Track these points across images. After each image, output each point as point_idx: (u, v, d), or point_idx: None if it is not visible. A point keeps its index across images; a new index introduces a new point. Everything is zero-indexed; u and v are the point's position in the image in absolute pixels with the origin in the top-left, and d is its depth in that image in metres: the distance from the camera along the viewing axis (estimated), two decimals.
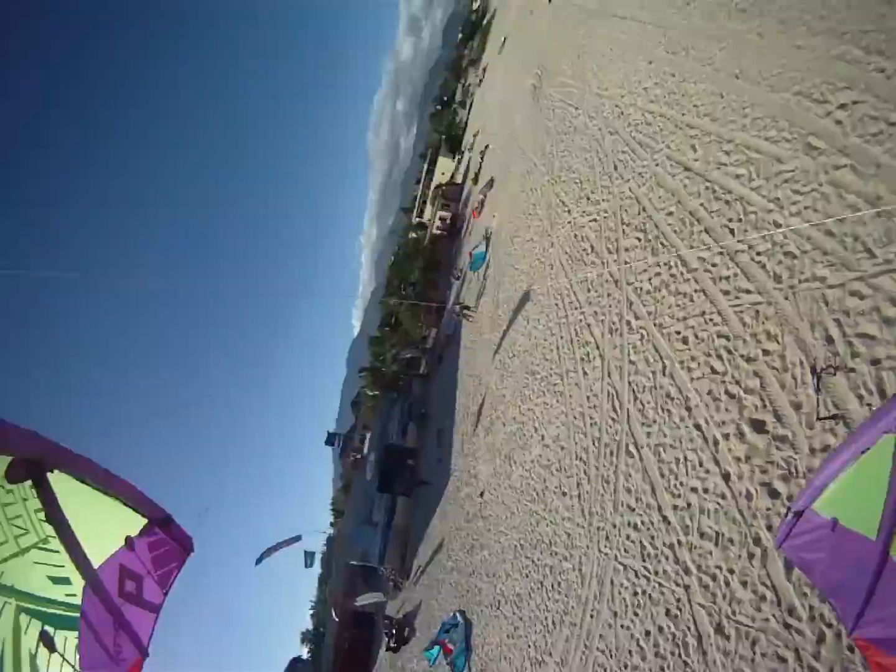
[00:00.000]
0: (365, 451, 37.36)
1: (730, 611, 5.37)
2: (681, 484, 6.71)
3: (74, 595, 2.71)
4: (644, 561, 6.98)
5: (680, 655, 5.86)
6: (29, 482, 2.38)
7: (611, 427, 8.88)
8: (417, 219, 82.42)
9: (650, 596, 6.66)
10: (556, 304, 13.68)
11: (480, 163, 41.73)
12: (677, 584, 6.23)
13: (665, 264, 8.73)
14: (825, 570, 2.95)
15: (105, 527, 2.78)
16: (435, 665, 13.91)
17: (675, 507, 6.70)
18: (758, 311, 6.29)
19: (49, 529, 2.57)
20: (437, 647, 13.78)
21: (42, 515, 2.51)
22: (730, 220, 7.36)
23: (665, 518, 6.82)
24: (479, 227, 31.22)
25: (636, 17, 14.74)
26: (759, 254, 6.59)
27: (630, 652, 6.72)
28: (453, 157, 71.53)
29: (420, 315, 46.24)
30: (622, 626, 7.01)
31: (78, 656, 2.71)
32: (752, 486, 5.57)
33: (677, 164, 9.39)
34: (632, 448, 8.06)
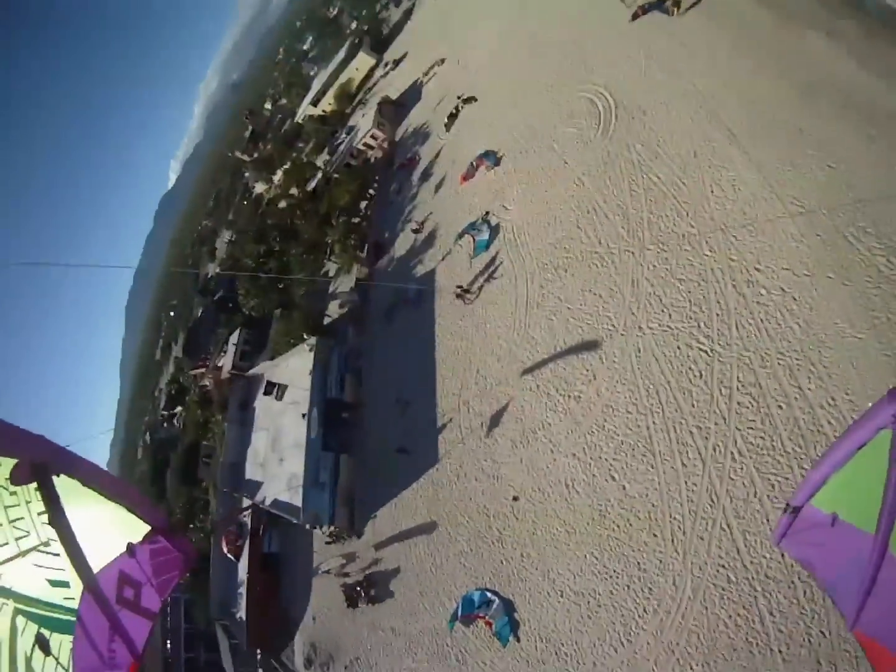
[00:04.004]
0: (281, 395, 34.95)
1: None
2: None
3: (72, 599, 2.69)
4: None
5: None
6: (33, 485, 2.32)
7: None
8: (311, 106, 78.69)
9: None
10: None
11: (456, 111, 37.05)
12: None
13: None
14: (825, 565, 2.96)
15: (107, 532, 2.72)
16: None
17: None
18: None
19: (51, 532, 2.51)
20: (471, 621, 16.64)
21: (44, 518, 2.45)
22: None
23: None
24: (470, 197, 29.21)
25: None
26: None
27: None
28: (375, 57, 68.85)
29: (349, 248, 41.34)
30: None
31: (72, 660, 2.70)
32: None
33: None
34: None
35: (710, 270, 14.80)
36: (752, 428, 12.98)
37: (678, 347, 14.90)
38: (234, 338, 52.18)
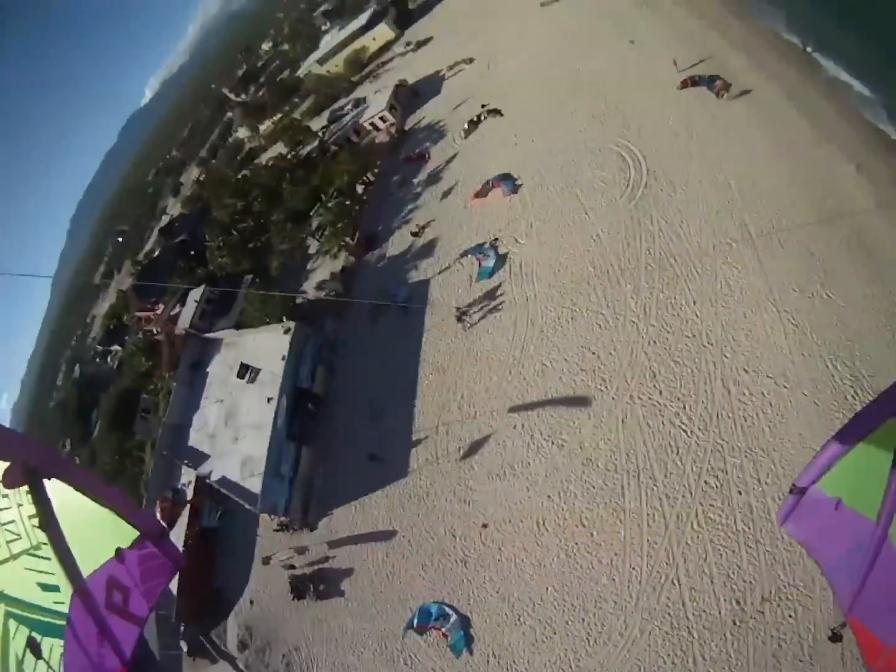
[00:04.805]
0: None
1: None
2: None
3: (62, 603, 2.71)
4: None
5: None
6: (25, 488, 2.38)
7: None
8: (317, 64, 77.11)
9: None
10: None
11: (478, 119, 36.47)
12: None
13: None
14: (826, 549, 3.00)
15: (98, 537, 2.79)
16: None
17: None
18: None
19: (41, 536, 2.56)
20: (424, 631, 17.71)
21: (35, 522, 2.51)
22: None
23: None
24: (479, 217, 29.36)
25: None
26: None
27: None
28: (395, 32, 67.90)
29: (347, 231, 39.40)
30: None
31: (62, 664, 2.72)
32: None
33: None
34: None
35: (705, 361, 16.54)
36: (712, 505, 14.91)
37: (662, 423, 16.55)
38: (195, 294, 49.41)
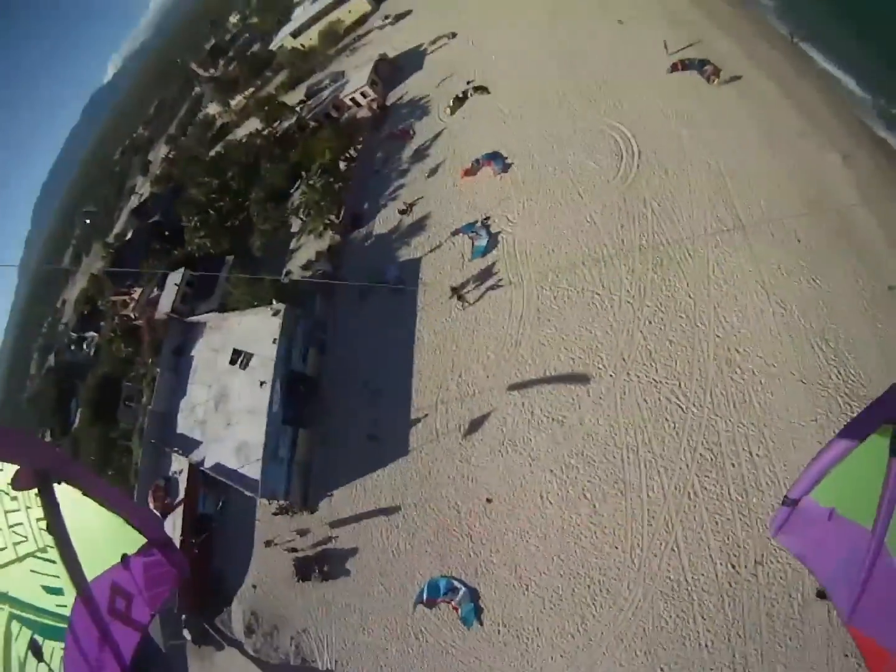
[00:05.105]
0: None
1: None
2: None
3: (65, 606, 2.73)
4: None
5: None
6: (34, 491, 2.42)
7: None
8: (291, 37, 74.61)
9: None
10: None
11: (464, 95, 35.83)
12: None
13: None
14: (821, 559, 2.97)
15: (104, 542, 2.82)
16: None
17: None
18: None
19: (48, 539, 2.59)
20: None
21: (43, 525, 2.55)
22: None
23: None
24: (469, 195, 29.10)
25: None
26: None
27: None
28: (372, 4, 66.60)
29: (330, 207, 38.39)
30: None
31: (62, 668, 2.74)
32: None
33: None
34: None
35: (699, 340, 17.16)
36: (707, 476, 15.76)
37: (659, 399, 17.19)
38: (175, 277, 47.93)
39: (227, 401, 31.99)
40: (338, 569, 22.11)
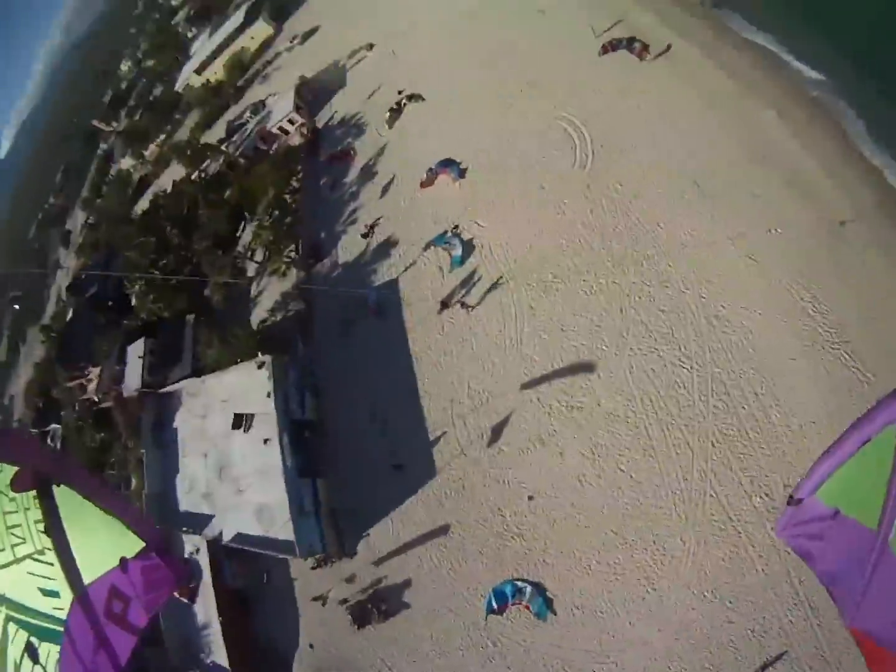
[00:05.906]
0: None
1: None
2: None
3: (62, 609, 2.75)
4: None
5: None
6: (33, 493, 2.47)
7: None
8: (195, 75, 71.84)
9: None
10: None
11: (399, 106, 35.60)
12: None
13: None
14: (825, 559, 2.97)
15: (102, 546, 2.83)
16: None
17: None
18: None
19: (46, 541, 2.63)
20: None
21: (41, 527, 2.59)
22: None
23: None
24: (431, 206, 29.18)
25: None
26: None
27: None
28: (275, 28, 65.35)
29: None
30: None
31: (58, 671, 2.79)
32: None
33: None
34: None
35: (686, 305, 18.44)
36: (725, 423, 17.06)
37: (664, 365, 18.31)
38: (136, 349, 45.57)
39: (230, 467, 30.78)
40: (396, 605, 21.90)
